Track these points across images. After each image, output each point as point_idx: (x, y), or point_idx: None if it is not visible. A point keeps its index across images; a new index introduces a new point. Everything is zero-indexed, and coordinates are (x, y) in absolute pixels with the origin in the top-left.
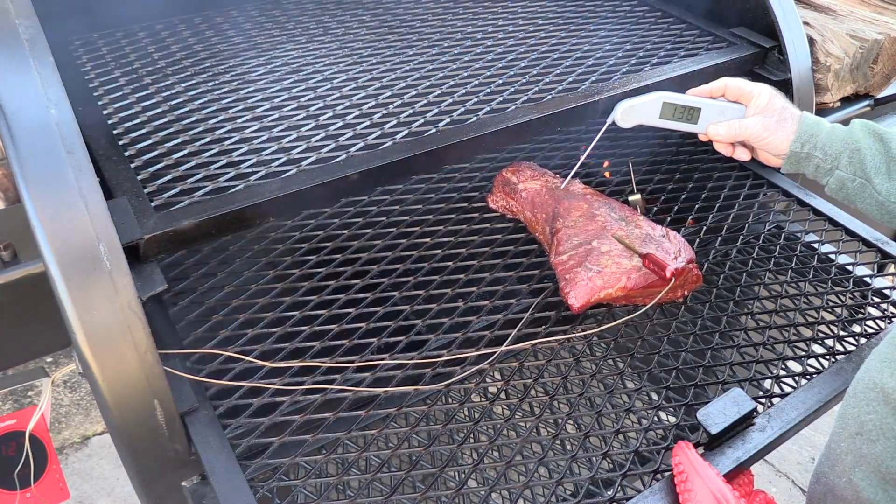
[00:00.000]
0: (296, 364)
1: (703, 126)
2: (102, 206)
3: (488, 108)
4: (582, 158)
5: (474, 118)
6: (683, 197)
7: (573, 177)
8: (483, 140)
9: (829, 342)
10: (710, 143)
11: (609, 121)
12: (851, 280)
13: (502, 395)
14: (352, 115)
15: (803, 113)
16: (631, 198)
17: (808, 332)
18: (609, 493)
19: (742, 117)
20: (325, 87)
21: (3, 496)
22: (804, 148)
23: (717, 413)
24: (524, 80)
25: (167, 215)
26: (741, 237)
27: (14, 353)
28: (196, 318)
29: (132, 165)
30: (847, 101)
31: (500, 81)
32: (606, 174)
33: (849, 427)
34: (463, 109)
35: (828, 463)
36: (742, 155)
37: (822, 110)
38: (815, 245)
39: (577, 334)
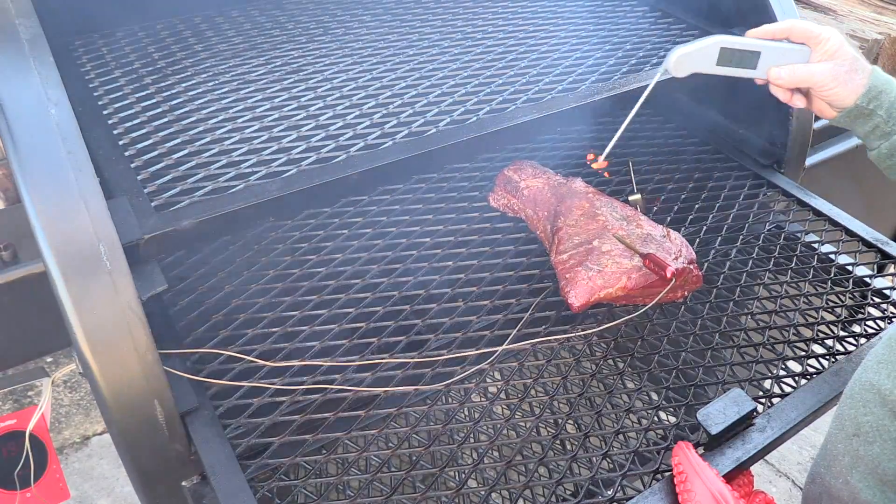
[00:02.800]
0: (296, 364)
1: (763, 70)
2: (102, 206)
3: (488, 108)
4: (625, 123)
5: (474, 118)
6: (683, 197)
7: (605, 157)
8: (483, 140)
9: (829, 342)
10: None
11: (661, 69)
12: (851, 280)
13: (502, 395)
14: (352, 115)
15: (874, 67)
16: (631, 197)
17: (808, 333)
18: (609, 493)
19: (806, 61)
20: (325, 87)
21: (3, 496)
22: (870, 104)
23: (717, 413)
24: (524, 80)
25: (167, 215)
26: (741, 237)
27: (14, 353)
28: (196, 318)
29: (132, 165)
30: None
31: (500, 81)
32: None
33: (845, 428)
34: (463, 109)
35: (824, 464)
36: (798, 102)
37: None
38: (815, 245)
39: (578, 334)
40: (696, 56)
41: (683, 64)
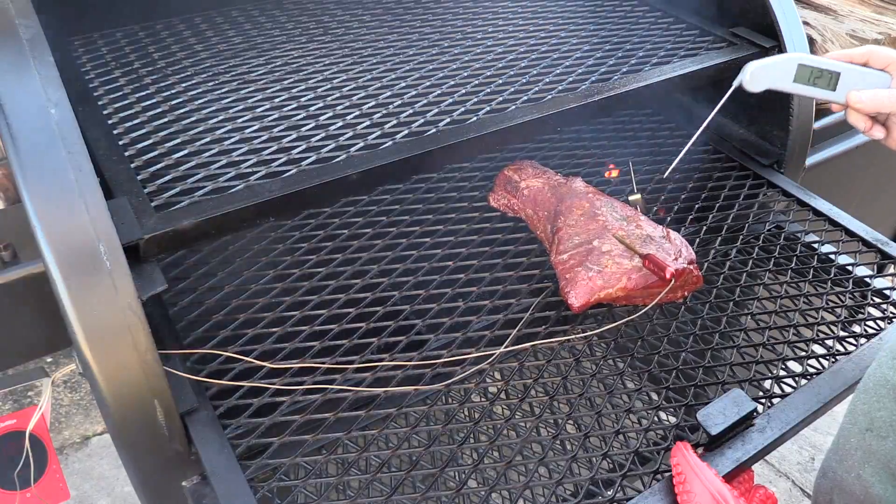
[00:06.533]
0: (296, 365)
1: (843, 94)
2: (102, 206)
3: (488, 108)
4: (703, 126)
5: (474, 118)
6: (683, 197)
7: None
8: (483, 140)
9: (830, 342)
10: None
11: (736, 83)
12: (851, 280)
13: (502, 396)
14: (352, 115)
15: None
16: (631, 197)
17: (808, 333)
18: (609, 493)
19: (888, 87)
20: (325, 86)
21: (3, 496)
22: None
23: (717, 414)
24: (524, 80)
25: (167, 215)
26: (741, 237)
27: (14, 353)
28: (196, 318)
29: (132, 165)
30: None
31: (500, 81)
32: (609, 174)
33: (859, 423)
34: (463, 109)
35: (836, 458)
36: (878, 132)
37: (822, 109)
38: (815, 245)
39: (578, 335)
40: (772, 70)
41: (759, 78)
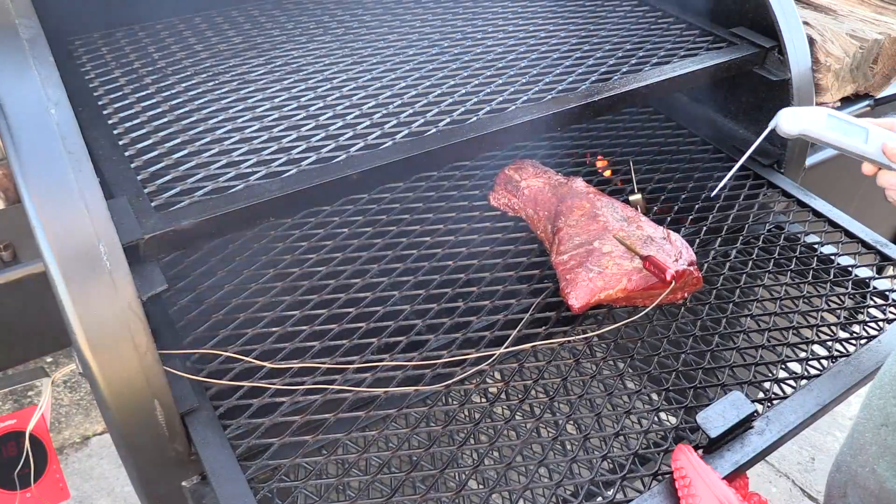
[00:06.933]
0: (296, 365)
1: (876, 147)
2: (102, 206)
3: (488, 108)
4: (736, 166)
5: (474, 118)
6: (683, 197)
7: (721, 188)
8: (483, 140)
9: (830, 343)
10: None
11: (770, 126)
12: (851, 281)
13: (502, 396)
14: (352, 115)
15: None
16: (631, 198)
17: (808, 334)
18: (609, 493)
19: None
20: (325, 86)
21: (3, 496)
22: None
23: (717, 416)
24: (524, 80)
25: (167, 215)
26: (741, 238)
27: (14, 353)
28: (196, 317)
29: (132, 165)
30: (847, 101)
31: (500, 81)
32: (607, 172)
33: (874, 418)
34: (463, 109)
35: (850, 452)
36: None
37: None
38: (816, 246)
39: (578, 337)
40: (805, 116)
41: (792, 122)
